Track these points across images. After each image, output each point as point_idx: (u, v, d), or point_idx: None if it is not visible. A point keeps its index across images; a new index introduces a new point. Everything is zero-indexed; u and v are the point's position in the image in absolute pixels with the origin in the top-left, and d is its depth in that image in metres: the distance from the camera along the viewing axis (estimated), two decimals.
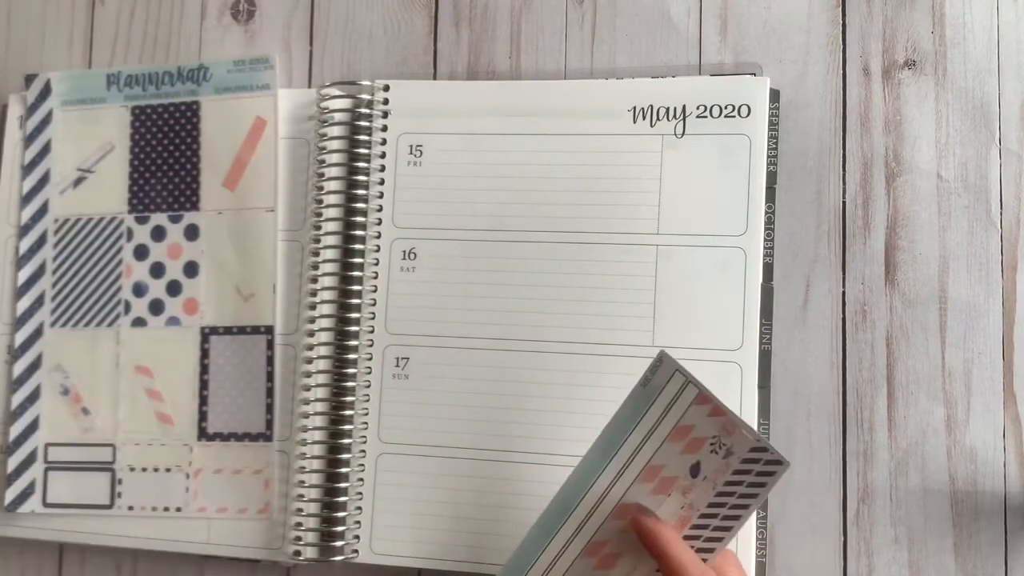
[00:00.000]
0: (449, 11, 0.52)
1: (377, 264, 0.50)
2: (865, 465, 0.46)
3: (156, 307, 0.52)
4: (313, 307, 0.50)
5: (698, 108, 0.47)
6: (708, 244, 0.46)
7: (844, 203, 0.48)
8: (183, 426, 0.51)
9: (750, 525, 0.44)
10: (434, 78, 0.52)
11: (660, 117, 0.48)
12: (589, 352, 0.47)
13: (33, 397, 0.53)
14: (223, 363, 0.51)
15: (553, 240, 0.48)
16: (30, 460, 0.52)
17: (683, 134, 0.47)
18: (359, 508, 0.48)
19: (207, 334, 0.51)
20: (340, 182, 0.50)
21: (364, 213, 0.50)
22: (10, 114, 0.55)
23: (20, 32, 0.57)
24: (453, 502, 0.47)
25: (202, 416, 0.51)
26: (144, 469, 0.51)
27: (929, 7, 0.48)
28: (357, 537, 0.48)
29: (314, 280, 0.50)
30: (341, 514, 0.48)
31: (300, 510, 0.49)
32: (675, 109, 0.48)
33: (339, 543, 0.47)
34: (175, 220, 0.53)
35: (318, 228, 0.50)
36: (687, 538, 0.38)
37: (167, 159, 0.53)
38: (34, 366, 0.53)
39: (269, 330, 0.50)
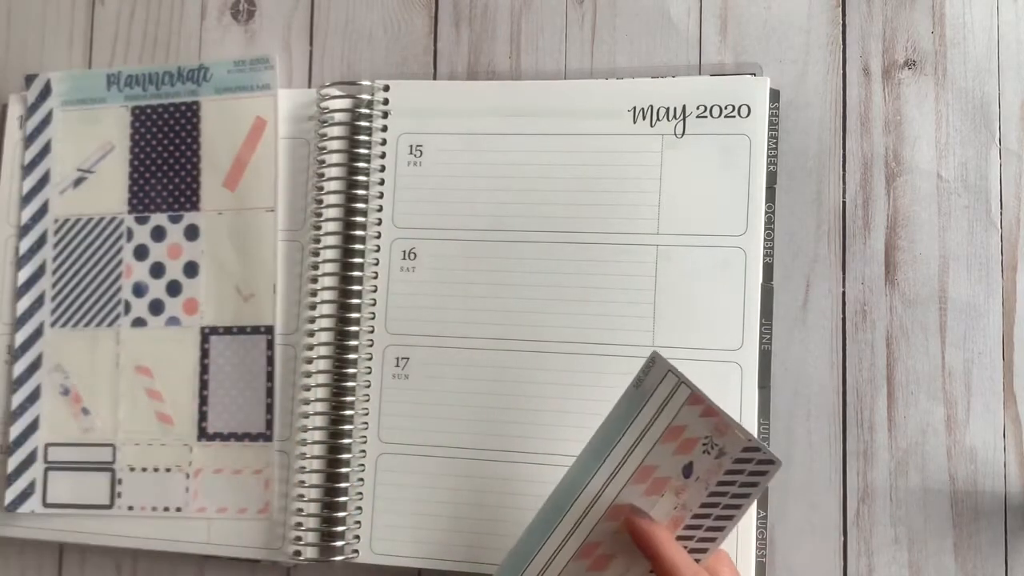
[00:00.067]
0: (449, 11, 0.52)
1: (377, 264, 0.50)
2: (865, 465, 0.46)
3: (156, 307, 0.52)
4: (313, 307, 0.50)
5: (698, 108, 0.47)
6: (708, 244, 0.46)
7: (844, 203, 0.48)
8: (183, 426, 0.51)
9: (750, 525, 0.44)
10: (434, 78, 0.52)
11: (660, 117, 0.48)
12: (589, 352, 0.47)
13: (33, 397, 0.53)
14: (223, 363, 0.51)
15: (553, 240, 0.48)
16: (30, 460, 0.52)
17: (683, 134, 0.47)
18: (359, 508, 0.48)
19: (207, 334, 0.51)
20: (340, 182, 0.50)
21: (364, 213, 0.50)
22: (10, 114, 0.55)
23: (20, 32, 0.57)
24: (453, 502, 0.47)
25: (202, 416, 0.51)
26: (144, 469, 0.51)
27: (929, 7, 0.48)
28: (357, 537, 0.48)
29: (314, 280, 0.50)
30: (341, 514, 0.48)
31: (300, 510, 0.49)
32: (675, 109, 0.48)
33: (339, 543, 0.47)
34: (175, 220, 0.53)
35: (318, 228, 0.50)
36: (680, 539, 0.38)
37: (167, 159, 0.53)
38: (34, 366, 0.53)
39: (269, 330, 0.50)
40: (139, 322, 0.52)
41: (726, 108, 0.47)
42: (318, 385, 0.49)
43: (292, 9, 0.54)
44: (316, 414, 0.49)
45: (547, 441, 0.47)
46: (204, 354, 0.51)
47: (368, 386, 0.49)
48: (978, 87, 0.47)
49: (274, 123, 0.51)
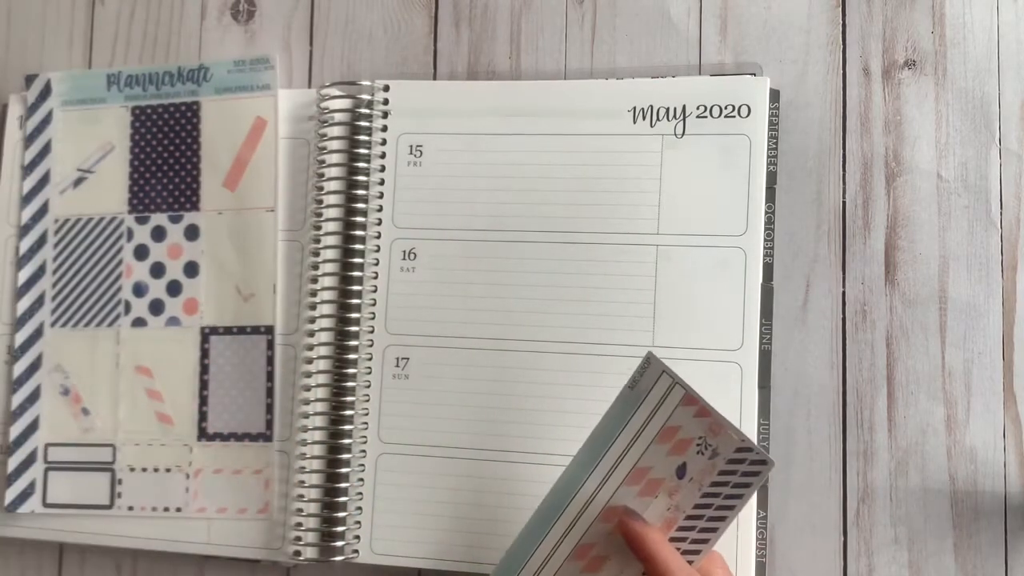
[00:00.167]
0: (449, 11, 0.52)
1: (377, 264, 0.50)
2: (865, 465, 0.46)
3: (156, 307, 0.52)
4: (313, 307, 0.50)
5: (698, 108, 0.47)
6: (708, 244, 0.46)
7: (844, 203, 0.48)
8: (183, 426, 0.51)
9: (750, 525, 0.44)
10: (434, 78, 0.52)
11: (660, 117, 0.48)
12: (589, 352, 0.47)
13: (33, 397, 0.53)
14: (223, 363, 0.51)
15: (553, 240, 0.48)
16: (30, 460, 0.52)
17: (683, 134, 0.47)
18: (359, 508, 0.48)
19: (207, 334, 0.51)
20: (340, 182, 0.50)
21: (364, 213, 0.50)
22: (10, 114, 0.55)
23: (20, 32, 0.57)
24: (453, 502, 0.47)
25: (202, 416, 0.51)
26: (144, 469, 0.51)
27: (929, 7, 0.48)
28: (357, 537, 0.48)
29: (314, 280, 0.50)
30: (341, 514, 0.48)
31: (300, 510, 0.49)
32: (675, 109, 0.48)
33: (339, 543, 0.47)
34: (175, 220, 0.53)
35: (318, 228, 0.50)
36: (673, 540, 0.38)
37: (167, 159, 0.53)
38: (34, 366, 0.53)
39: (269, 330, 0.50)
40: (139, 322, 0.52)
41: (726, 108, 0.47)
42: (318, 385, 0.49)
43: (292, 9, 0.54)
44: (316, 414, 0.49)
45: (547, 441, 0.47)
46: (204, 354, 0.51)
47: (368, 386, 0.49)
48: (978, 87, 0.47)
49: (274, 123, 0.51)
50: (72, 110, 0.54)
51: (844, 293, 0.47)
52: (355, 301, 0.49)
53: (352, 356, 0.49)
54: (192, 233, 0.52)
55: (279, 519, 0.49)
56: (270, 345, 0.50)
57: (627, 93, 0.48)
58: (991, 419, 0.45)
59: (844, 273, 0.47)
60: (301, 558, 0.48)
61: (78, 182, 0.54)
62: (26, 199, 0.54)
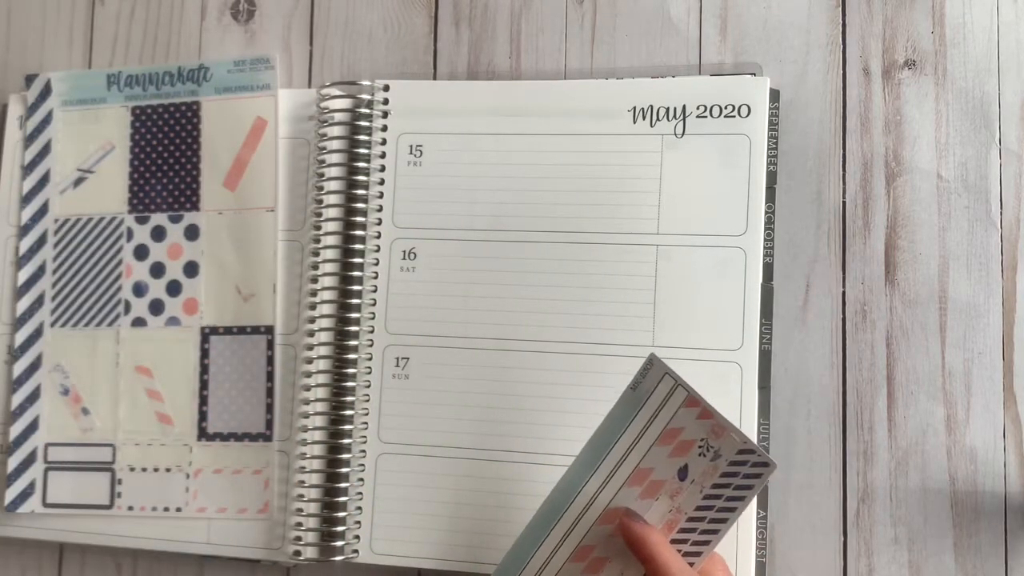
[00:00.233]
0: (449, 11, 0.52)
1: (377, 264, 0.50)
2: (865, 465, 0.46)
3: (156, 307, 0.52)
4: (313, 307, 0.50)
5: (698, 108, 0.47)
6: (708, 244, 0.46)
7: (844, 203, 0.48)
8: (183, 426, 0.51)
9: (750, 525, 0.44)
10: (434, 78, 0.52)
11: (660, 117, 0.48)
12: (589, 352, 0.47)
13: (33, 397, 0.53)
14: (223, 363, 0.51)
15: (553, 240, 0.48)
16: (30, 460, 0.52)
17: (683, 134, 0.47)
18: (359, 508, 0.48)
19: (207, 334, 0.51)
20: (340, 182, 0.50)
21: (364, 213, 0.50)
22: (10, 114, 0.55)
23: (20, 32, 0.57)
24: (453, 502, 0.47)
25: (202, 416, 0.51)
26: (144, 469, 0.51)
27: (929, 7, 0.48)
28: (357, 537, 0.48)
29: (314, 280, 0.50)
30: (341, 514, 0.48)
31: (300, 510, 0.49)
32: (675, 109, 0.48)
33: (339, 543, 0.47)
34: (175, 220, 0.53)
35: (318, 228, 0.50)
36: (675, 542, 0.38)
37: (167, 159, 0.53)
38: (34, 366, 0.53)
39: (269, 330, 0.50)
40: (139, 322, 0.52)
41: (726, 108, 0.47)
42: (318, 385, 0.49)
43: (292, 9, 0.54)
44: (316, 414, 0.49)
45: (547, 441, 0.47)
46: (204, 354, 0.51)
47: (368, 386, 0.49)
48: (978, 87, 0.47)
49: (274, 123, 0.51)
50: (72, 110, 0.54)
51: (844, 293, 0.47)
52: (355, 301, 0.49)
53: (352, 356, 0.49)
54: (192, 233, 0.52)
55: (279, 519, 0.49)
56: (270, 345, 0.50)
57: (627, 93, 0.48)
58: (991, 419, 0.45)
59: (844, 273, 0.47)
60: (301, 558, 0.48)
61: (78, 182, 0.54)
62: (26, 199, 0.54)
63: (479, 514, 0.47)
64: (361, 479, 0.48)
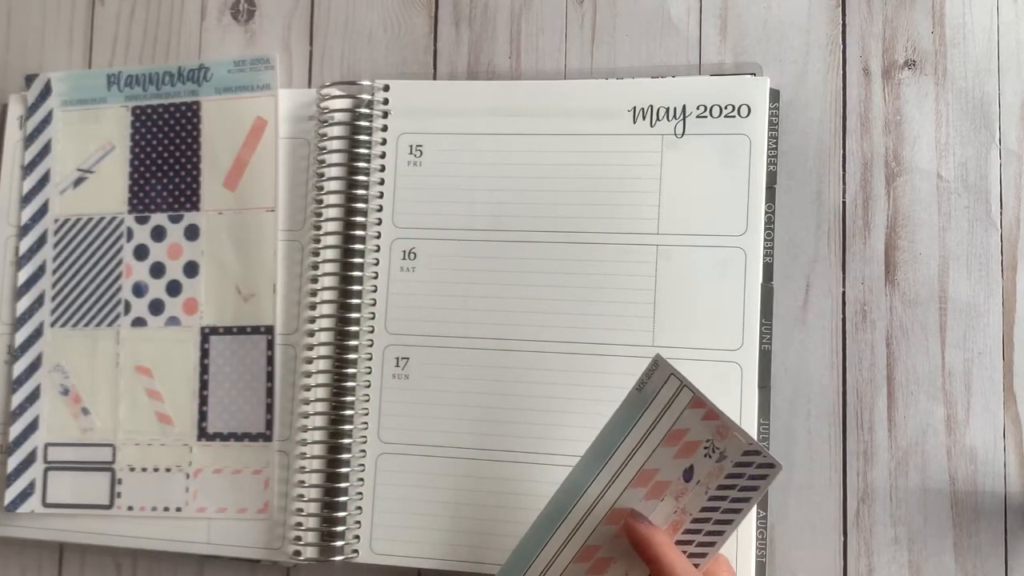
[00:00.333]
0: (449, 11, 0.52)
1: (377, 264, 0.50)
2: (865, 465, 0.46)
3: (156, 307, 0.52)
4: (313, 307, 0.50)
5: (698, 108, 0.47)
6: (708, 244, 0.46)
7: (844, 203, 0.48)
8: (183, 426, 0.51)
9: (750, 525, 0.44)
10: (434, 78, 0.52)
11: (660, 117, 0.48)
12: (589, 352, 0.47)
13: (33, 397, 0.53)
14: (223, 363, 0.51)
15: (553, 240, 0.48)
16: (30, 460, 0.52)
17: (683, 134, 0.47)
18: (359, 508, 0.48)
19: (207, 334, 0.51)
20: (340, 182, 0.50)
21: (364, 213, 0.50)
22: (10, 114, 0.55)
23: (20, 32, 0.57)
24: (453, 502, 0.47)
25: (202, 416, 0.51)
26: (144, 469, 0.51)
27: (929, 7, 0.48)
28: (357, 537, 0.48)
29: (314, 280, 0.50)
30: (341, 514, 0.48)
31: (300, 510, 0.49)
32: (675, 109, 0.48)
33: (339, 543, 0.47)
34: (175, 220, 0.53)
35: (318, 228, 0.50)
36: (679, 543, 0.38)
37: (167, 159, 0.53)
38: (34, 366, 0.53)
39: (269, 330, 0.50)
40: (139, 322, 0.52)
41: (726, 108, 0.47)
42: (318, 385, 0.49)
43: (292, 9, 0.54)
44: (316, 414, 0.49)
45: (547, 441, 0.47)
46: (204, 354, 0.51)
47: (368, 386, 0.49)
48: (978, 87, 0.47)
49: (274, 123, 0.51)
50: (72, 110, 0.54)
51: (844, 293, 0.47)
52: (355, 301, 0.49)
53: (352, 356, 0.49)
54: (192, 233, 0.52)
55: (279, 519, 0.49)
56: (270, 345, 0.50)
57: (627, 93, 0.48)
58: (991, 419, 0.45)
59: (844, 273, 0.47)
60: (301, 558, 0.48)
61: (78, 182, 0.54)
62: (26, 199, 0.54)
63: (479, 514, 0.47)
64: (361, 479, 0.48)
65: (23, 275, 0.54)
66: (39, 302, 0.53)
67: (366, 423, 0.49)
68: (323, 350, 0.49)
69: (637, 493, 0.38)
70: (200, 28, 0.55)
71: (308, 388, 0.49)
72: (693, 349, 0.46)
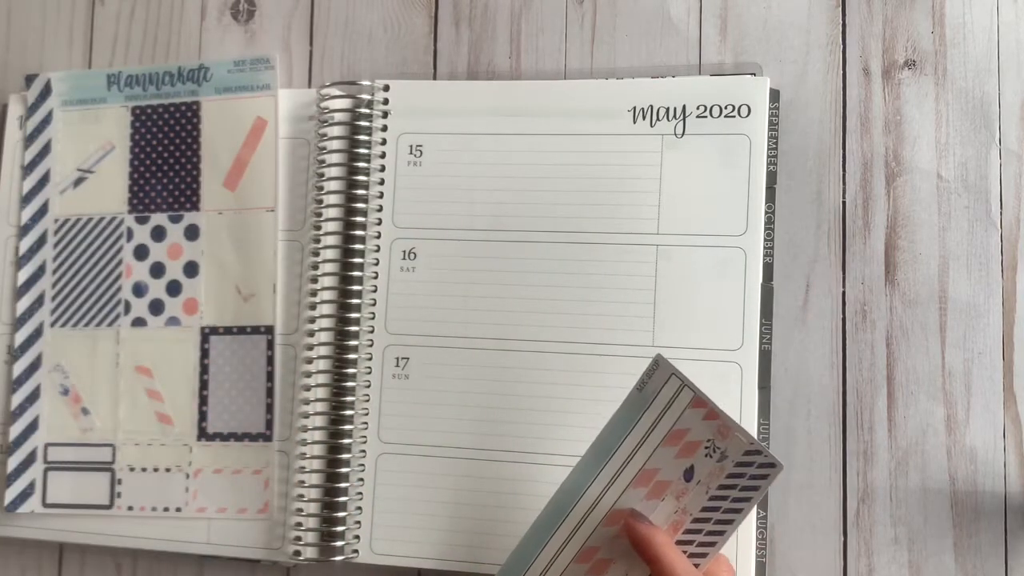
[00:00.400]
0: (449, 11, 0.52)
1: (377, 264, 0.50)
2: (865, 465, 0.46)
3: (156, 307, 0.52)
4: (313, 307, 0.50)
5: (698, 108, 0.47)
6: (708, 244, 0.46)
7: (844, 203, 0.48)
8: (183, 426, 0.51)
9: (750, 525, 0.44)
10: (434, 78, 0.52)
11: (660, 117, 0.48)
12: (589, 352, 0.47)
13: (33, 397, 0.53)
14: (223, 363, 0.51)
15: (553, 240, 0.48)
16: (30, 460, 0.52)
17: (683, 134, 0.47)
18: (359, 508, 0.48)
19: (207, 334, 0.51)
20: (340, 182, 0.50)
21: (364, 213, 0.50)
22: (10, 114, 0.55)
23: (20, 32, 0.57)
24: (453, 502, 0.47)
25: (202, 416, 0.51)
26: (144, 469, 0.51)
27: (929, 7, 0.48)
28: (357, 537, 0.48)
29: (314, 280, 0.50)
30: (341, 514, 0.48)
31: (300, 510, 0.49)
32: (675, 109, 0.48)
33: (339, 543, 0.47)
34: (175, 220, 0.53)
35: (318, 228, 0.50)
36: (680, 543, 0.38)
37: (167, 159, 0.53)
38: (34, 366, 0.53)
39: (269, 330, 0.50)
40: (139, 322, 0.52)
41: (726, 108, 0.47)
42: (318, 385, 0.49)
43: (292, 9, 0.54)
44: (316, 414, 0.49)
45: (547, 441, 0.47)
46: (204, 354, 0.51)
47: (368, 386, 0.49)
48: (978, 87, 0.47)
49: (274, 123, 0.51)
50: (72, 110, 0.54)
51: (844, 293, 0.47)
52: (355, 301, 0.49)
53: (352, 356, 0.49)
54: (192, 233, 0.52)
55: (279, 519, 0.49)
56: (270, 345, 0.50)
57: (627, 93, 0.48)
58: (991, 419, 0.45)
59: (844, 273, 0.47)
60: (301, 558, 0.48)
61: (78, 182, 0.54)
62: (26, 199, 0.54)
63: (479, 514, 0.47)
64: (361, 479, 0.48)
65: (23, 275, 0.54)
66: (39, 302, 0.53)
67: (366, 423, 0.49)
68: (323, 350, 0.49)
69: (638, 493, 0.38)
70: (200, 28, 0.55)
71: (308, 388, 0.49)
72: (693, 349, 0.46)
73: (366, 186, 0.50)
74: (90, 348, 0.53)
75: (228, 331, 0.51)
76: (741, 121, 0.47)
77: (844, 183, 0.48)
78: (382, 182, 0.50)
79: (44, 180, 0.54)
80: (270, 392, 0.50)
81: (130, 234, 0.53)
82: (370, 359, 0.49)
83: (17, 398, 0.53)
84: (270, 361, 0.50)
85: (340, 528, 0.47)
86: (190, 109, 0.53)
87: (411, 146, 0.50)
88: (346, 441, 0.48)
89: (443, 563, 0.47)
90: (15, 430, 0.52)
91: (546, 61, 0.51)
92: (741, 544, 0.44)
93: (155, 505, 0.51)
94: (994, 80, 0.47)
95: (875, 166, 0.47)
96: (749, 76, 0.48)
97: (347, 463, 0.48)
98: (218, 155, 0.52)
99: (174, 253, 0.52)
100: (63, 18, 0.57)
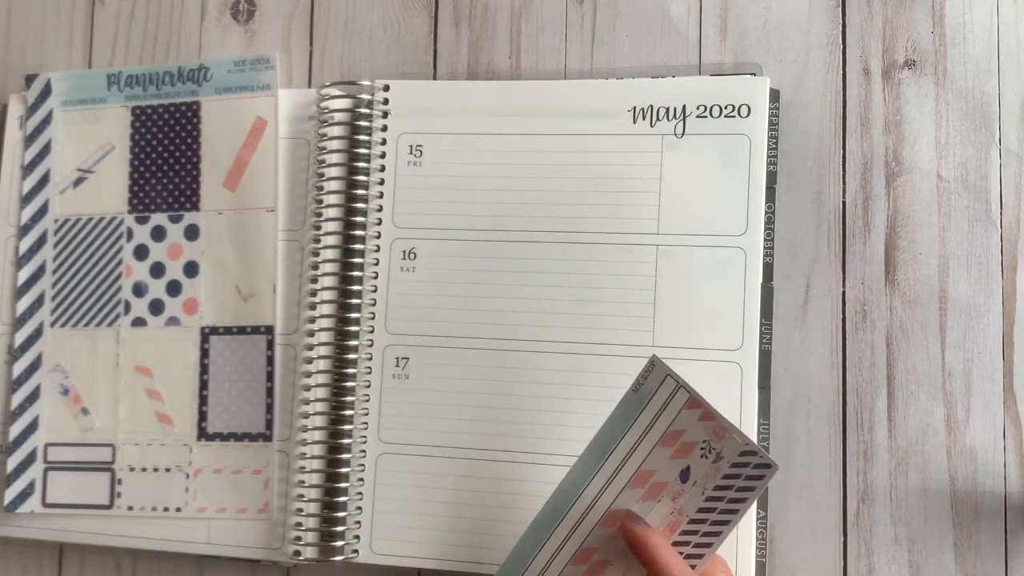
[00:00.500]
0: (449, 11, 0.52)
1: (377, 264, 0.50)
2: (865, 465, 0.46)
3: (156, 307, 0.52)
4: (313, 307, 0.50)
5: (698, 108, 0.47)
6: (708, 244, 0.46)
7: (844, 203, 0.48)
8: (183, 426, 0.51)
9: (750, 525, 0.44)
10: (434, 78, 0.52)
11: (660, 117, 0.48)
12: (589, 352, 0.47)
13: (33, 397, 0.53)
14: (223, 363, 0.51)
15: (553, 240, 0.48)
16: (30, 460, 0.52)
17: (683, 134, 0.47)
18: (359, 508, 0.48)
19: (207, 334, 0.51)
20: (340, 182, 0.50)
21: (364, 213, 0.50)
22: (10, 114, 0.55)
23: (20, 32, 0.57)
24: (453, 502, 0.47)
25: (202, 416, 0.51)
26: (144, 469, 0.51)
27: (929, 7, 0.48)
28: (357, 537, 0.48)
29: (314, 280, 0.50)
30: (341, 514, 0.48)
31: (300, 510, 0.49)
32: (675, 109, 0.48)
33: (339, 543, 0.47)
34: (175, 220, 0.53)
35: (318, 228, 0.50)
36: (676, 544, 0.38)
37: (167, 159, 0.53)
38: (34, 366, 0.53)
39: (269, 330, 0.50)
40: (139, 322, 0.52)
41: (726, 108, 0.47)
42: (318, 385, 0.49)
43: (292, 9, 0.54)
44: (316, 414, 0.49)
45: (547, 441, 0.47)
46: (204, 354, 0.51)
47: (368, 386, 0.49)
48: (978, 87, 0.47)
49: (274, 123, 0.51)
50: (72, 110, 0.54)
51: (844, 293, 0.47)
52: (355, 301, 0.49)
53: (352, 356, 0.49)
54: (192, 233, 0.52)
55: (279, 519, 0.49)
56: (270, 345, 0.50)
57: (627, 93, 0.48)
58: (991, 419, 0.45)
59: (844, 273, 0.47)
60: (301, 558, 0.48)
61: (78, 182, 0.54)
62: (26, 199, 0.54)
63: (479, 514, 0.47)
64: (361, 479, 0.48)
65: (23, 275, 0.54)
66: (39, 302, 0.53)
67: (366, 423, 0.49)
68: (323, 350, 0.49)
69: (634, 494, 0.38)
70: (200, 28, 0.55)
71: (308, 388, 0.49)
72: (693, 349, 0.46)
73: (366, 186, 0.50)
74: (90, 348, 0.53)
75: (228, 331, 0.51)
76: (741, 121, 0.47)
77: (844, 183, 0.48)
78: (382, 182, 0.50)
79: (44, 180, 0.54)
80: (270, 392, 0.50)
81: (130, 234, 0.53)
82: (370, 359, 0.49)
83: (17, 398, 0.53)
84: (270, 361, 0.50)
85: (340, 528, 0.47)
86: (190, 109, 0.53)
87: (411, 146, 0.50)
88: (346, 441, 0.48)
89: (443, 563, 0.47)
90: (15, 430, 0.52)
91: (546, 61, 0.51)
92: (741, 544, 0.44)
93: (155, 505, 0.51)
94: (994, 80, 0.47)
95: (875, 166, 0.47)
96: (749, 76, 0.48)
97: (347, 463, 0.48)
98: (218, 155, 0.52)
99: (174, 253, 0.52)
100: (63, 18, 0.57)
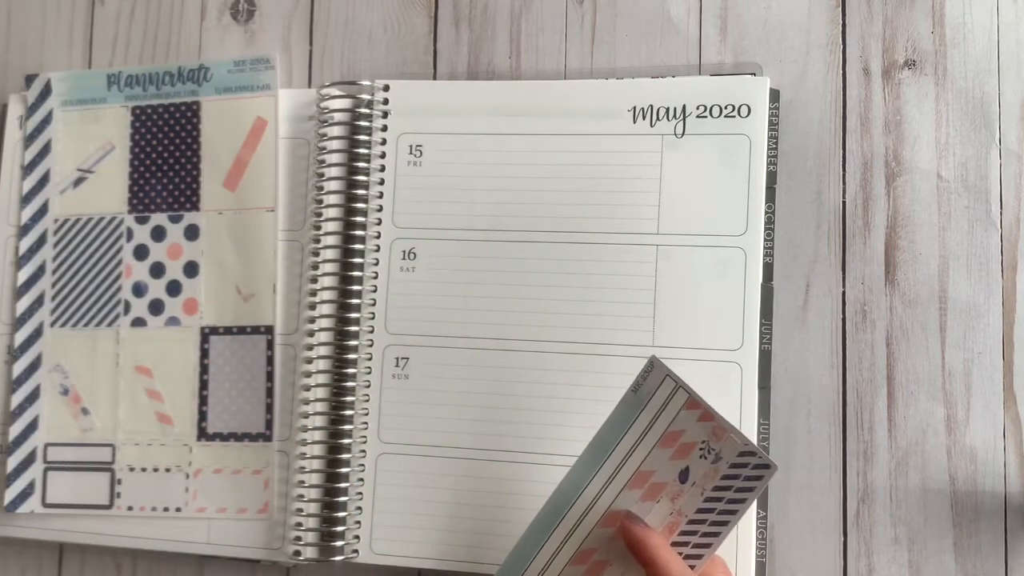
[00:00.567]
0: (449, 11, 0.52)
1: (377, 264, 0.50)
2: (865, 465, 0.46)
3: (156, 307, 0.52)
4: (313, 307, 0.50)
5: (698, 108, 0.47)
6: (708, 244, 0.46)
7: (844, 203, 0.48)
8: (183, 426, 0.51)
9: (750, 525, 0.44)
10: (434, 78, 0.52)
11: (660, 117, 0.48)
12: (589, 352, 0.47)
13: (33, 397, 0.53)
14: (223, 363, 0.51)
15: (553, 240, 0.48)
16: (29, 460, 0.52)
17: (683, 134, 0.47)
18: (359, 508, 0.48)
19: (207, 334, 0.51)
20: (340, 182, 0.50)
21: (364, 213, 0.50)
22: (10, 114, 0.55)
23: (20, 32, 0.57)
24: (453, 502, 0.47)
25: (202, 416, 0.51)
26: (144, 469, 0.51)
27: (929, 7, 0.48)
28: (357, 537, 0.48)
29: (314, 280, 0.50)
30: (341, 514, 0.48)
31: (300, 510, 0.49)
32: (675, 109, 0.48)
33: (339, 543, 0.47)
34: (175, 220, 0.53)
35: (318, 228, 0.50)
36: (675, 544, 0.38)
37: (167, 159, 0.53)
38: (34, 366, 0.53)
39: (269, 330, 0.50)
40: (139, 322, 0.52)
41: (726, 108, 0.47)
42: (318, 385, 0.49)
43: (292, 9, 0.54)
44: (316, 414, 0.49)
45: (547, 441, 0.47)
46: (204, 354, 0.51)
47: (368, 386, 0.49)
48: (978, 87, 0.47)
49: (274, 123, 0.51)
50: (72, 110, 0.54)
51: (844, 293, 0.47)
52: (355, 301, 0.49)
53: (352, 356, 0.49)
54: (192, 233, 0.52)
55: (279, 519, 0.49)
56: (270, 345, 0.50)
57: (627, 93, 0.48)
58: (991, 419, 0.45)
59: (844, 273, 0.47)
60: (301, 558, 0.48)
61: (78, 182, 0.54)
62: (26, 199, 0.54)
63: (479, 514, 0.47)
64: (361, 479, 0.48)
65: (23, 275, 0.54)
66: (39, 302, 0.53)
67: (366, 423, 0.49)
68: (323, 350, 0.49)
69: (633, 495, 0.38)
70: (200, 28, 0.55)
71: (308, 388, 0.49)
72: (693, 349, 0.46)
73: (366, 186, 0.50)
74: (90, 348, 0.53)
75: (228, 331, 0.51)
76: (741, 121, 0.47)
77: (844, 183, 0.48)
78: (382, 182, 0.50)
79: (44, 180, 0.54)
80: (270, 392, 0.50)
81: (130, 234, 0.53)
82: (370, 359, 0.49)
83: (17, 398, 0.53)
84: (270, 361, 0.50)
85: (340, 528, 0.47)
86: (190, 109, 0.53)
87: (411, 146, 0.50)
88: (346, 441, 0.48)
89: (443, 563, 0.47)
90: (15, 430, 0.52)
91: (546, 61, 0.51)
92: (741, 544, 0.44)
93: (155, 505, 0.51)
94: (994, 80, 0.47)
95: (875, 166, 0.47)
96: (749, 76, 0.48)
97: (347, 463, 0.48)
98: (218, 155, 0.52)
99: (174, 253, 0.52)
100: (63, 18, 0.57)
